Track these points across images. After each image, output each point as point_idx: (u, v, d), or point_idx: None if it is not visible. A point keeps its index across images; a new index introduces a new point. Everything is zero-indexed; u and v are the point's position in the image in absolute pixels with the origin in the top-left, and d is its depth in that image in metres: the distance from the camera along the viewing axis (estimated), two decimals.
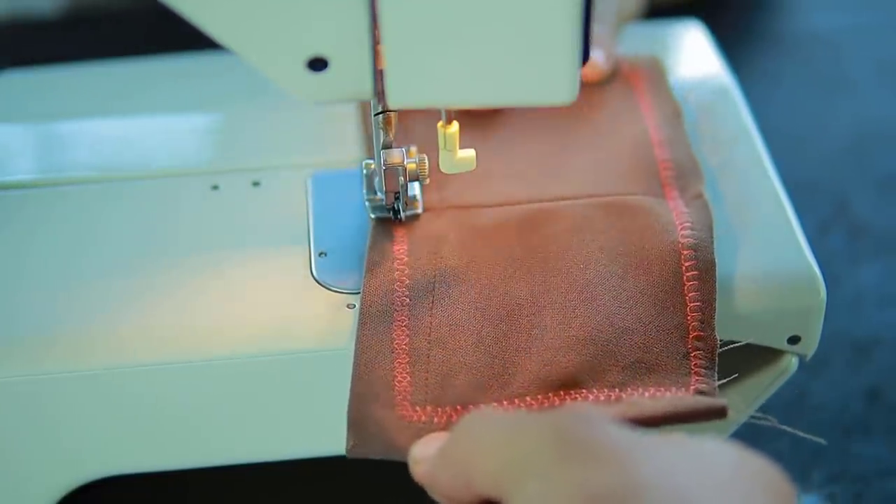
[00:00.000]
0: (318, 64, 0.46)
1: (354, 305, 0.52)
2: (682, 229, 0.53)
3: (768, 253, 0.53)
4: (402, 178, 0.53)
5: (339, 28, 0.45)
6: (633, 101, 0.62)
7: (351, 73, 0.46)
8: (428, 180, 0.54)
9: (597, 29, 0.60)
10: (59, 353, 0.50)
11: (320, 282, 0.53)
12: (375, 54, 0.46)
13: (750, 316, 0.52)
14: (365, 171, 0.55)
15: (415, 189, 0.56)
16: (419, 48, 0.45)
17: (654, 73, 0.63)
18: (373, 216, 0.55)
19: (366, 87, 0.47)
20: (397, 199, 0.54)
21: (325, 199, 0.57)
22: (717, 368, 0.49)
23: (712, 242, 0.52)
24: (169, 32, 0.69)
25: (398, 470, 0.59)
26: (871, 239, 0.78)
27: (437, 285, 0.52)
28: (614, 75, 0.63)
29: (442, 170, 0.52)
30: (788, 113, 0.89)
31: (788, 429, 0.51)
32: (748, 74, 0.75)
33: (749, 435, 0.65)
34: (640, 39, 0.66)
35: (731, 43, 0.74)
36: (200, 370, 0.51)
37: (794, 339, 0.52)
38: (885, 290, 0.74)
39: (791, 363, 0.54)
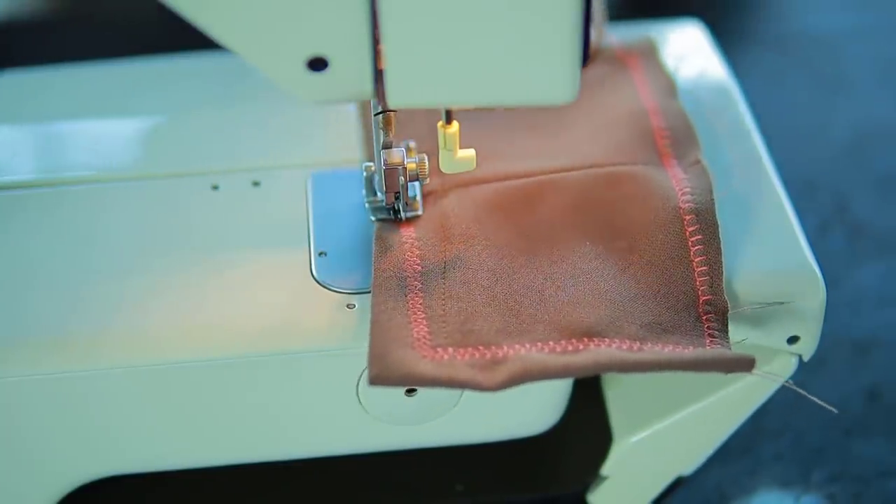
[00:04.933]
0: (318, 64, 0.46)
1: (354, 305, 0.52)
2: (682, 195, 0.54)
3: (768, 253, 0.53)
4: (402, 178, 0.53)
5: (339, 28, 0.45)
6: (626, 76, 0.63)
7: (351, 73, 0.46)
8: (428, 180, 0.54)
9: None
10: (59, 354, 0.50)
11: (320, 282, 0.53)
12: (375, 54, 0.46)
13: (749, 316, 0.51)
14: (365, 174, 0.55)
15: (415, 189, 0.56)
16: (419, 48, 0.45)
17: (647, 51, 0.64)
18: (373, 218, 0.55)
19: (366, 87, 0.47)
20: (397, 198, 0.54)
21: (325, 199, 0.57)
22: (728, 331, 0.50)
23: (713, 206, 0.53)
24: (169, 32, 0.69)
25: (398, 470, 0.59)
26: (871, 239, 0.78)
27: (447, 253, 0.53)
28: (604, 54, 0.64)
29: (442, 170, 0.52)
30: (788, 113, 0.89)
31: (808, 395, 0.51)
32: (748, 74, 0.75)
33: (749, 435, 0.65)
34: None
35: (731, 43, 0.74)
36: (199, 370, 0.51)
37: (793, 339, 0.52)
38: (885, 290, 0.74)
39: (790, 363, 0.54)
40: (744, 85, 0.64)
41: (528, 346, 0.49)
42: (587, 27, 0.45)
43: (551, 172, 0.56)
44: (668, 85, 0.62)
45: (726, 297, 0.50)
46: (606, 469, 0.58)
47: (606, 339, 0.49)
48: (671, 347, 0.49)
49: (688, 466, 0.58)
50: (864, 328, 0.72)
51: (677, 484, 0.59)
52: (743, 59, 0.89)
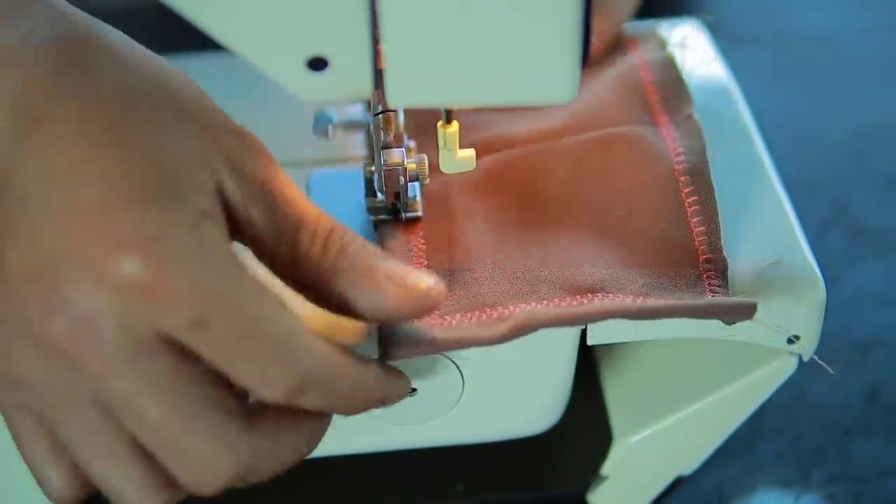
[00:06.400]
0: (318, 64, 0.46)
1: None
2: (676, 156, 0.55)
3: (768, 253, 0.53)
4: (402, 178, 0.53)
5: (339, 28, 0.45)
6: (623, 50, 0.64)
7: (351, 73, 0.46)
8: (428, 180, 0.54)
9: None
10: None
11: None
12: (375, 54, 0.46)
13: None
14: (365, 175, 0.55)
15: (415, 190, 0.56)
16: (419, 48, 0.45)
17: (648, 36, 0.65)
18: (373, 218, 0.55)
19: (366, 87, 0.47)
20: (397, 199, 0.54)
21: (324, 198, 0.57)
22: (729, 287, 0.50)
23: (707, 166, 0.54)
24: (168, 32, 0.69)
25: (398, 470, 0.59)
26: (871, 239, 0.78)
27: (451, 228, 0.53)
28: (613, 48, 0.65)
29: (442, 170, 0.52)
30: (788, 113, 0.89)
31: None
32: (748, 74, 0.75)
33: (749, 435, 0.65)
34: None
35: (731, 43, 0.74)
36: None
37: (793, 339, 0.52)
38: (885, 290, 0.74)
39: (790, 363, 0.54)
40: (744, 85, 0.64)
41: (533, 304, 0.49)
42: (587, 27, 0.45)
43: (548, 136, 0.57)
44: (659, 44, 0.63)
45: (725, 255, 0.51)
46: (606, 469, 0.58)
47: (611, 294, 0.49)
48: (673, 302, 0.49)
49: (688, 466, 0.58)
50: (864, 328, 0.72)
51: (677, 484, 0.59)
52: (743, 59, 0.89)
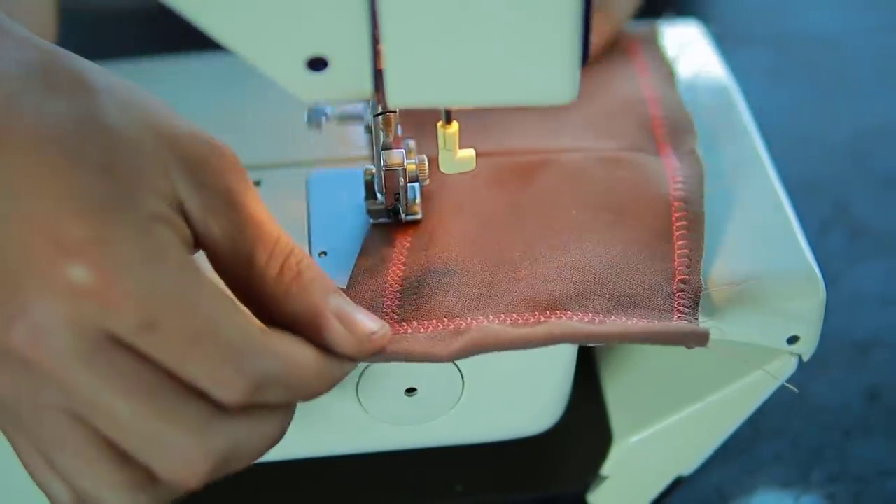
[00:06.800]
0: (318, 64, 0.46)
1: None
2: (673, 182, 0.55)
3: (768, 253, 0.53)
4: (401, 180, 0.53)
5: (339, 28, 0.45)
6: (627, 63, 0.64)
7: (351, 73, 0.46)
8: (428, 181, 0.54)
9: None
10: None
11: None
12: (375, 54, 0.46)
13: (749, 316, 0.51)
14: (365, 178, 0.55)
15: (415, 191, 0.56)
16: (419, 48, 0.45)
17: (649, 39, 0.66)
18: (372, 221, 0.55)
19: (366, 87, 0.47)
20: (397, 200, 0.54)
21: (324, 198, 0.57)
22: (699, 310, 0.50)
23: (702, 196, 0.55)
24: (169, 32, 0.69)
25: (398, 470, 0.59)
26: (871, 239, 0.78)
27: (435, 228, 0.54)
28: (611, 47, 0.66)
29: (442, 170, 0.52)
30: (788, 113, 0.89)
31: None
32: (748, 74, 0.75)
33: (749, 435, 0.65)
34: None
35: (731, 43, 0.74)
36: None
37: (793, 339, 0.52)
38: (885, 290, 0.74)
39: (790, 363, 0.54)
40: (744, 85, 0.64)
41: (491, 317, 0.49)
42: (587, 27, 0.45)
43: (550, 152, 0.57)
44: (667, 73, 0.63)
45: (702, 279, 0.51)
46: (606, 469, 0.58)
47: (569, 313, 0.49)
48: (635, 321, 0.49)
49: (688, 466, 0.58)
50: (864, 328, 0.72)
51: (677, 484, 0.59)
52: (743, 59, 0.90)
